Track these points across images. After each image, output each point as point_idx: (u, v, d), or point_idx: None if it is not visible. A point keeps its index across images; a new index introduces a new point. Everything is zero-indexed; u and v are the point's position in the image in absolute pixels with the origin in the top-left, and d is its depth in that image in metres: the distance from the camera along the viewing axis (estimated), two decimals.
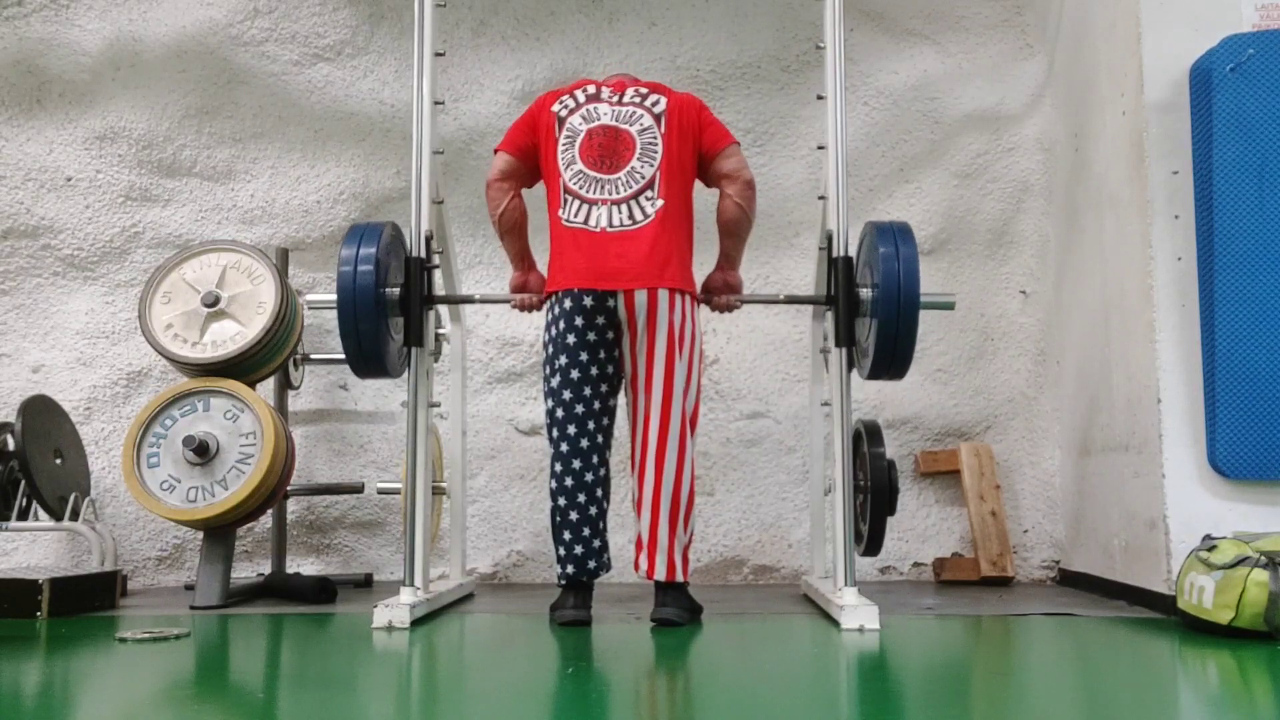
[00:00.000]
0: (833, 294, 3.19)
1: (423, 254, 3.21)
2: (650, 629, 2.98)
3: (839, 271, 3.17)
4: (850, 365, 3.18)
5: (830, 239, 3.21)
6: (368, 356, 3.14)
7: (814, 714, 2.00)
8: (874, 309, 3.08)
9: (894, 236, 3.09)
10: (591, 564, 3.06)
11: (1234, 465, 3.09)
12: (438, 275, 3.37)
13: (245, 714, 2.03)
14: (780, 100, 4.46)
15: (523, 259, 3.31)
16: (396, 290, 3.19)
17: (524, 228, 3.27)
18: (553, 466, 3.09)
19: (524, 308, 3.30)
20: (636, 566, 3.06)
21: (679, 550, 3.04)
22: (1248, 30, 3.24)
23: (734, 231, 3.23)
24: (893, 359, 3.09)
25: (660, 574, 3.02)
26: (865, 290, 3.16)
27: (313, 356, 4.27)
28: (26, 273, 4.39)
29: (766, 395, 4.40)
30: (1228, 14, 3.26)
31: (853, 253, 3.22)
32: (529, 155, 3.21)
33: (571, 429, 3.07)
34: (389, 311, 3.17)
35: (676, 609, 3.02)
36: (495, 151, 3.25)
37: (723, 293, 3.30)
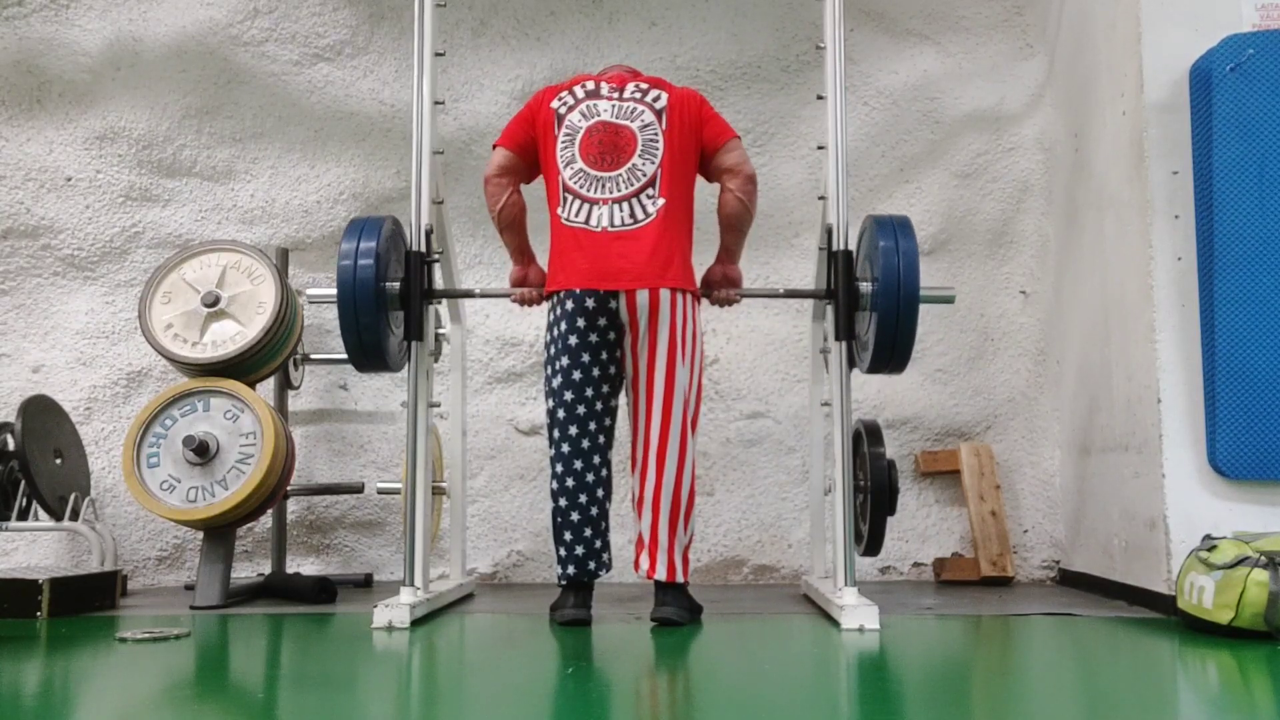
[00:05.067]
0: (832, 288, 3.19)
1: (423, 249, 3.21)
2: (650, 629, 2.98)
3: (839, 265, 3.16)
4: (850, 360, 3.18)
5: (830, 233, 3.20)
6: (368, 350, 3.15)
7: (814, 714, 2.00)
8: (874, 303, 3.09)
9: (894, 230, 3.09)
10: (592, 564, 3.06)
11: (1234, 465, 3.09)
12: (438, 271, 3.37)
13: (245, 714, 2.04)
14: (780, 100, 4.46)
15: (522, 253, 3.30)
16: (397, 285, 3.19)
17: (523, 223, 3.26)
18: (553, 467, 3.09)
19: (524, 302, 3.29)
20: (636, 566, 3.07)
21: (679, 551, 3.04)
22: (1248, 30, 3.24)
23: (735, 225, 3.24)
24: (893, 353, 3.09)
25: (661, 574, 3.02)
26: (865, 284, 3.16)
27: (313, 356, 4.27)
28: (26, 273, 4.39)
29: (766, 395, 4.40)
30: (1228, 14, 3.27)
31: (852, 247, 3.22)
32: (528, 151, 3.20)
33: (572, 429, 3.07)
34: (389, 305, 3.17)
35: (676, 608, 3.02)
36: (494, 147, 3.25)
37: (722, 286, 3.30)
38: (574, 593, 3.06)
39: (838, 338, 3.17)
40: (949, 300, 3.28)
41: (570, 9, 4.47)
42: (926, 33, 4.47)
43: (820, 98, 3.34)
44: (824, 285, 3.28)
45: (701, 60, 4.44)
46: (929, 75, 4.45)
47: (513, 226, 3.25)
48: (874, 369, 3.18)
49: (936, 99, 4.44)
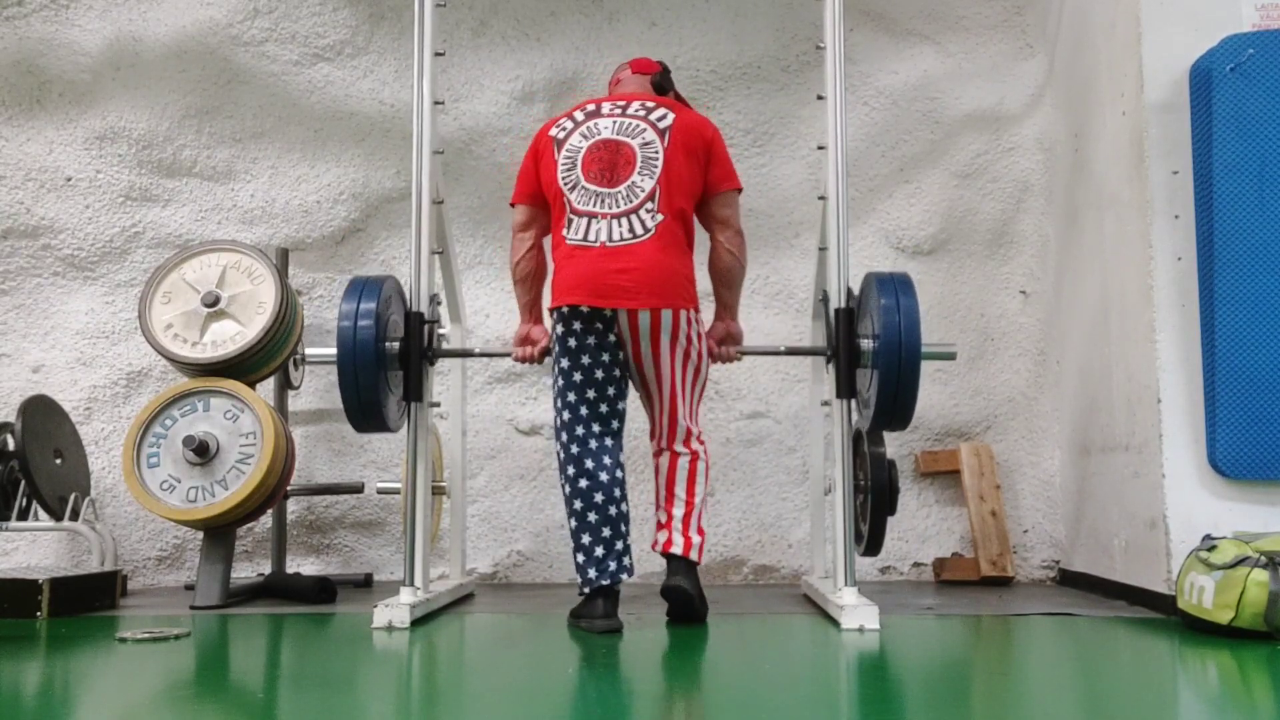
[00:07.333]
0: (833, 346, 3.19)
1: (423, 309, 3.21)
2: (665, 622, 3.01)
3: (839, 324, 3.16)
4: (851, 418, 3.18)
5: (828, 291, 3.19)
6: (367, 411, 3.13)
7: (814, 714, 2.00)
8: (875, 360, 3.07)
9: (894, 287, 3.07)
10: (613, 566, 2.97)
11: (1234, 465, 3.09)
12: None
13: (245, 714, 2.04)
14: (780, 100, 4.46)
15: (531, 310, 3.30)
16: (396, 344, 3.18)
17: (539, 280, 3.26)
18: (564, 471, 3.05)
19: (525, 360, 3.29)
20: (654, 544, 3.11)
21: (693, 528, 3.08)
22: (1248, 30, 3.24)
23: (728, 280, 3.26)
24: (894, 411, 3.07)
25: (677, 549, 3.05)
26: (866, 341, 3.14)
27: (311, 356, 4.26)
28: (26, 273, 4.39)
29: (766, 395, 4.40)
30: (1228, 14, 3.26)
31: (854, 287, 3.20)
32: (540, 197, 3.19)
33: (579, 430, 3.06)
34: (389, 365, 3.16)
35: (687, 580, 3.04)
36: (511, 204, 3.26)
37: (725, 343, 3.31)
38: (601, 600, 2.97)
39: (838, 395, 3.16)
40: (950, 357, 3.31)
41: (570, 9, 4.47)
42: (926, 33, 4.47)
43: (820, 98, 3.34)
44: (821, 292, 3.29)
45: (701, 60, 4.44)
46: (929, 75, 4.45)
47: (527, 280, 3.25)
48: (875, 427, 3.19)
49: (936, 99, 4.44)
